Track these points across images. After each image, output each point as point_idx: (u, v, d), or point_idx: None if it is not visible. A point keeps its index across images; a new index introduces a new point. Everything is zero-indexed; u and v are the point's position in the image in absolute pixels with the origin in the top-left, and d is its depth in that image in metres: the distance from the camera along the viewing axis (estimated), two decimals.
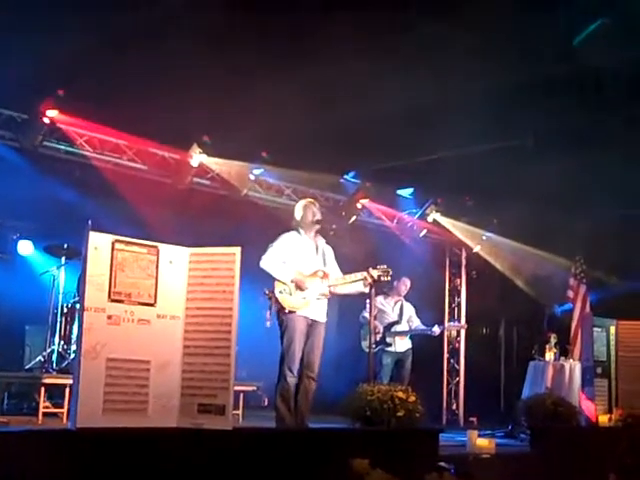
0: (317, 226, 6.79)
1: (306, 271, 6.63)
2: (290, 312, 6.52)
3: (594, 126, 9.25)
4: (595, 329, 8.22)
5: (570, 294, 10.60)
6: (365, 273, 6.68)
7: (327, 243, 6.96)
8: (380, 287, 7.18)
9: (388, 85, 8.39)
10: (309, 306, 6.57)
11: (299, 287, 6.54)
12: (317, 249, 6.80)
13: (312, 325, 6.60)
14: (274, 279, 6.56)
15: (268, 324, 6.54)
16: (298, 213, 6.84)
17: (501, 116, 8.90)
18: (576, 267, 10.66)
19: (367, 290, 6.84)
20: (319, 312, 6.65)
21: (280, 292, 6.54)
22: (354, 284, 6.78)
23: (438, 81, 8.29)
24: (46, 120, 9.14)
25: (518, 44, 7.83)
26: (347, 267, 6.92)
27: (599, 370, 8.12)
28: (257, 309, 6.73)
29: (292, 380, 6.45)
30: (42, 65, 7.66)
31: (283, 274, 6.55)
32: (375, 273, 6.69)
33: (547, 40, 7.77)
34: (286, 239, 6.72)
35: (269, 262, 6.55)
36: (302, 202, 7.01)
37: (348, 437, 5.53)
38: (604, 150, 9.28)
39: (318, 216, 6.80)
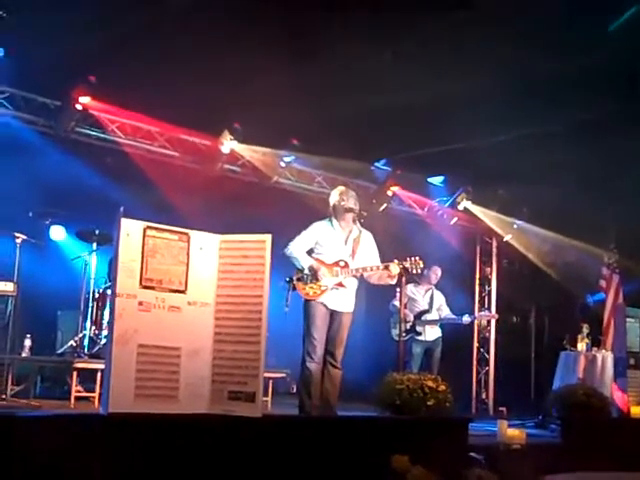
0: (350, 214, 6.75)
1: (329, 260, 6.63)
2: (309, 300, 6.53)
3: (627, 113, 9.12)
4: (628, 319, 8.14)
5: (603, 284, 10.48)
6: (392, 263, 6.64)
7: (368, 231, 6.91)
8: (411, 275, 7.12)
9: (420, 72, 8.33)
10: (326, 295, 6.56)
11: (314, 276, 6.55)
12: (347, 239, 6.75)
13: (333, 314, 6.60)
14: (294, 266, 6.59)
15: (286, 309, 6.55)
16: (331, 200, 6.82)
17: (532, 103, 8.80)
18: (609, 256, 10.54)
19: (393, 282, 6.81)
20: (340, 302, 6.63)
21: (298, 279, 6.59)
22: (383, 276, 6.74)
23: (470, 68, 8.21)
24: (78, 107, 9.20)
25: (551, 31, 7.72)
26: (379, 255, 6.89)
27: (632, 361, 8.04)
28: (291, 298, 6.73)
29: (313, 366, 6.45)
30: (75, 52, 7.70)
31: (301, 261, 6.58)
32: (404, 264, 6.67)
33: (580, 27, 7.65)
34: (315, 228, 6.73)
35: (292, 249, 6.61)
36: (337, 189, 6.99)
37: (378, 426, 5.52)
38: (638, 137, 9.16)
39: (350, 203, 6.75)
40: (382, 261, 6.80)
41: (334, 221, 6.76)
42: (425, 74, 8.33)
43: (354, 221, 6.77)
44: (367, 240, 6.85)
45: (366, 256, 6.78)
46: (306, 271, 6.56)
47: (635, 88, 8.62)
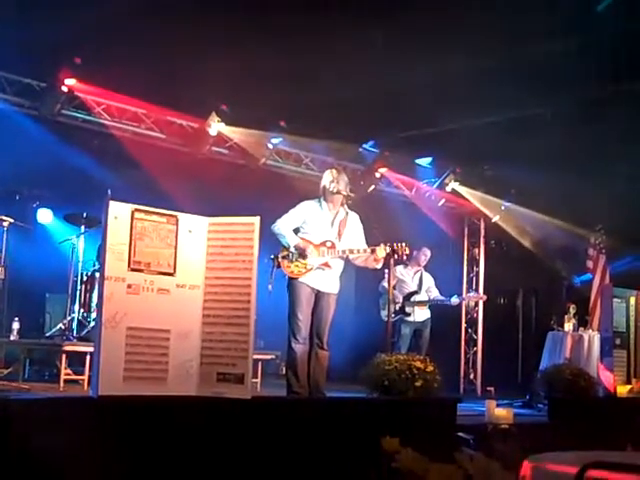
0: (340, 196, 6.75)
1: (315, 240, 6.63)
2: (293, 278, 6.54)
3: (614, 95, 9.14)
4: (615, 300, 8.17)
5: (590, 264, 10.54)
6: (378, 247, 6.65)
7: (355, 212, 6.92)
8: (399, 258, 7.14)
9: (407, 54, 8.31)
10: (311, 274, 6.56)
11: (301, 254, 6.55)
12: (334, 220, 6.75)
13: (318, 294, 6.59)
14: (281, 244, 6.60)
15: (270, 288, 6.54)
16: (323, 182, 6.80)
17: (519, 85, 8.80)
18: (596, 237, 10.60)
19: (379, 266, 6.82)
20: (325, 282, 6.62)
21: (283, 257, 6.58)
22: (369, 259, 6.75)
23: (457, 50, 8.19)
24: (64, 88, 9.13)
25: (537, 13, 7.71)
26: (365, 237, 6.90)
27: (618, 341, 8.07)
28: (276, 278, 6.73)
29: (298, 347, 6.45)
30: (61, 33, 7.64)
31: (288, 240, 6.57)
32: (389, 249, 6.67)
33: (567, 8, 7.65)
34: (303, 207, 6.72)
35: (279, 226, 6.59)
36: (329, 171, 6.97)
37: (366, 406, 5.56)
38: (624, 119, 9.18)
39: (342, 187, 6.74)
40: (368, 243, 6.81)
41: (322, 202, 6.76)
42: (412, 56, 8.31)
43: (342, 204, 6.77)
44: (354, 222, 6.85)
45: (352, 238, 6.78)
46: (292, 249, 6.56)
47: (623, 70, 8.64)
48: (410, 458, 2.74)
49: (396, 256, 6.72)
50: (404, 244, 6.72)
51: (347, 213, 6.80)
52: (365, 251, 6.69)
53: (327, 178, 6.78)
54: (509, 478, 2.63)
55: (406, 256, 6.80)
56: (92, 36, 7.95)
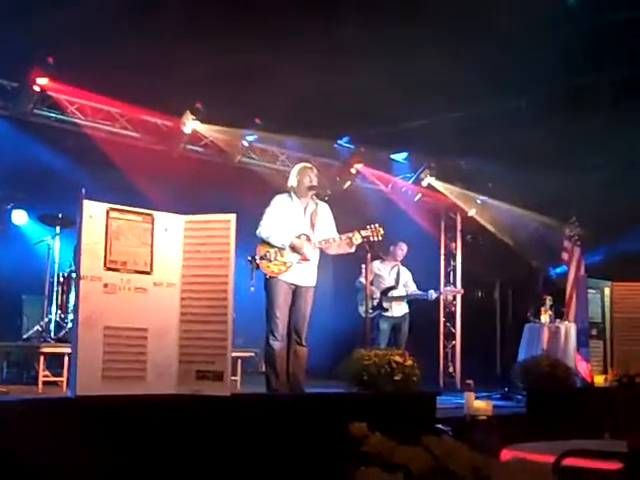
0: (311, 192, 6.77)
1: (290, 235, 6.63)
2: (271, 277, 6.53)
3: (588, 88, 9.22)
4: (590, 291, 8.26)
5: (565, 256, 10.62)
6: (352, 234, 6.66)
7: (325, 203, 6.93)
8: (376, 252, 7.16)
9: (380, 50, 8.33)
10: (290, 271, 6.56)
11: (296, 252, 6.54)
12: (305, 212, 6.77)
13: (296, 290, 6.60)
14: (260, 245, 6.57)
15: (252, 289, 6.54)
16: (292, 177, 6.83)
17: (494, 79, 8.85)
18: (570, 229, 10.67)
19: (352, 250, 6.82)
20: (303, 276, 6.63)
21: (261, 258, 6.55)
22: (342, 245, 6.76)
23: (431, 45, 8.21)
24: (36, 88, 9.03)
25: (512, 5, 7.75)
26: (342, 230, 6.90)
27: (594, 332, 8.17)
28: (257, 279, 6.71)
29: (276, 344, 6.45)
30: (32, 32, 7.58)
31: (280, 240, 6.56)
32: (364, 233, 6.68)
33: (540, 0, 7.70)
34: (277, 202, 6.74)
35: (264, 230, 6.57)
36: (298, 166, 6.99)
37: (345, 401, 5.57)
38: (596, 110, 9.25)
39: (314, 182, 6.77)
40: (340, 232, 6.81)
41: (293, 195, 6.78)
42: (385, 51, 8.33)
43: (311, 196, 6.79)
44: (324, 212, 6.88)
45: (324, 228, 6.81)
46: (287, 248, 6.54)
47: (594, 62, 8.71)
48: (378, 442, 2.76)
49: (373, 237, 6.70)
50: (377, 225, 6.73)
51: (317, 204, 6.82)
52: (342, 239, 6.70)
53: (295, 174, 6.79)
54: (475, 458, 2.65)
55: (381, 237, 6.77)
56: (64, 35, 7.87)
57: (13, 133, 9.23)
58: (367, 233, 6.69)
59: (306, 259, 6.60)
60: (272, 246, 6.57)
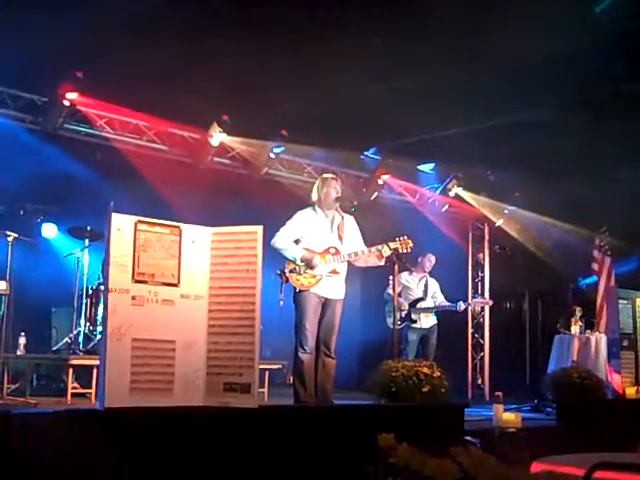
0: (336, 203, 6.75)
1: (318, 248, 6.60)
2: (301, 291, 6.52)
3: (617, 96, 9.14)
4: (621, 301, 8.16)
5: (595, 267, 10.52)
6: (381, 246, 6.64)
7: (350, 214, 6.92)
8: (404, 263, 7.13)
9: (407, 60, 8.32)
10: (320, 284, 6.54)
11: (308, 266, 6.53)
12: (332, 225, 6.74)
13: (326, 303, 6.57)
14: (285, 258, 6.57)
15: (281, 303, 6.54)
16: (316, 189, 6.80)
17: (522, 88, 8.80)
18: (600, 239, 10.57)
19: (382, 263, 6.79)
20: (332, 289, 6.61)
21: (290, 271, 6.54)
22: (372, 257, 6.74)
23: (458, 54, 8.20)
24: (66, 102, 9.15)
25: (538, 15, 7.72)
26: (370, 242, 6.86)
27: (625, 343, 8.06)
28: (286, 293, 6.71)
29: (305, 356, 6.43)
30: (61, 47, 7.66)
31: (292, 253, 6.54)
32: (393, 245, 6.65)
33: (567, 10, 7.65)
34: (300, 217, 6.70)
35: (279, 241, 6.54)
36: (322, 178, 6.96)
37: (373, 413, 5.55)
38: (625, 120, 9.17)
39: (339, 193, 6.75)
40: (369, 245, 6.79)
41: (317, 209, 6.75)
42: (413, 61, 8.32)
43: (336, 208, 6.78)
44: (350, 224, 6.86)
45: (352, 240, 6.79)
46: (298, 262, 6.54)
47: (625, 71, 8.64)
48: (406, 453, 2.74)
49: (402, 249, 6.67)
50: (406, 237, 6.71)
51: (343, 216, 6.81)
52: (370, 252, 6.68)
53: (319, 186, 6.78)
54: (504, 471, 2.63)
55: (410, 249, 6.74)
56: (93, 50, 7.96)
57: (43, 147, 9.34)
58: (396, 245, 6.66)
59: (335, 272, 6.58)
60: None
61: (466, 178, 12.40)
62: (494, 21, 7.64)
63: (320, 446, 4.77)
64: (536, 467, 3.06)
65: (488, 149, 10.50)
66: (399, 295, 9.23)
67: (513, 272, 12.64)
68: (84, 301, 9.06)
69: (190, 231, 4.91)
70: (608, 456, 2.97)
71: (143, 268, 4.66)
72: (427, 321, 9.73)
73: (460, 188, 12.43)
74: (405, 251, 6.71)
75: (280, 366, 9.68)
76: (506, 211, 13.02)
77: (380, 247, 6.64)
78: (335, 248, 6.64)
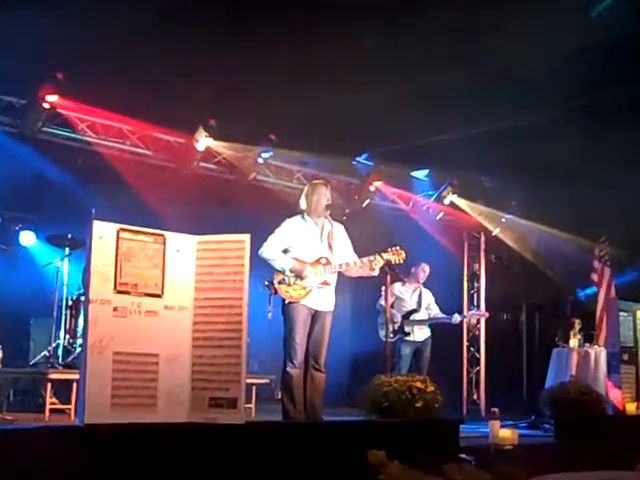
0: (327, 211, 6.74)
1: (308, 258, 6.59)
2: (290, 303, 6.51)
3: (614, 102, 9.18)
4: (621, 314, 8.18)
5: (594, 277, 10.54)
6: (373, 257, 6.64)
7: (340, 223, 6.91)
8: (397, 274, 7.14)
9: (399, 64, 8.35)
10: (310, 295, 6.53)
11: (298, 277, 6.52)
12: (322, 234, 6.73)
13: (315, 315, 6.56)
14: (274, 269, 6.55)
15: (270, 315, 6.54)
16: (305, 196, 6.78)
17: (517, 93, 8.84)
18: (600, 249, 10.60)
19: (375, 274, 6.79)
20: (322, 301, 6.60)
21: (279, 282, 6.52)
22: (364, 269, 6.74)
23: (453, 59, 8.23)
24: (46, 105, 9.13)
25: (534, 19, 7.76)
26: (361, 252, 6.85)
27: (626, 356, 8.08)
28: (274, 305, 6.71)
29: (294, 371, 6.42)
30: (41, 49, 7.66)
31: (281, 263, 6.52)
32: (385, 256, 6.65)
33: (563, 14, 7.70)
34: (288, 225, 6.68)
35: (267, 251, 6.51)
36: (311, 184, 6.95)
37: (364, 429, 5.55)
38: (627, 126, 9.21)
39: (328, 200, 6.74)
40: (360, 255, 6.79)
41: (307, 217, 6.74)
42: (406, 65, 8.35)
43: (325, 216, 6.76)
44: (340, 233, 6.85)
45: (342, 249, 6.78)
46: (287, 272, 6.53)
47: (623, 76, 8.69)
48: (398, 471, 2.75)
49: (394, 261, 6.67)
50: (398, 247, 6.71)
51: (332, 225, 6.80)
52: (362, 262, 6.67)
53: (307, 193, 6.77)
54: None
55: (403, 260, 6.74)
56: (75, 51, 7.95)
57: (21, 151, 9.31)
58: (388, 256, 6.65)
59: (326, 283, 6.58)
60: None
61: (461, 185, 12.43)
62: (490, 24, 7.69)
63: (309, 464, 4.76)
64: None
65: (484, 155, 10.52)
66: (392, 307, 9.22)
67: (510, 283, 12.67)
68: (64, 312, 9.03)
69: (175, 240, 4.90)
70: (608, 474, 2.98)
71: (126, 278, 4.65)
72: (421, 334, 9.72)
73: (455, 195, 12.46)
74: (398, 262, 6.71)
75: (268, 380, 9.67)
76: (503, 219, 13.04)
77: (372, 258, 6.64)
78: (326, 258, 6.63)
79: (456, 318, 9.86)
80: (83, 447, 4.13)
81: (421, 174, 12.57)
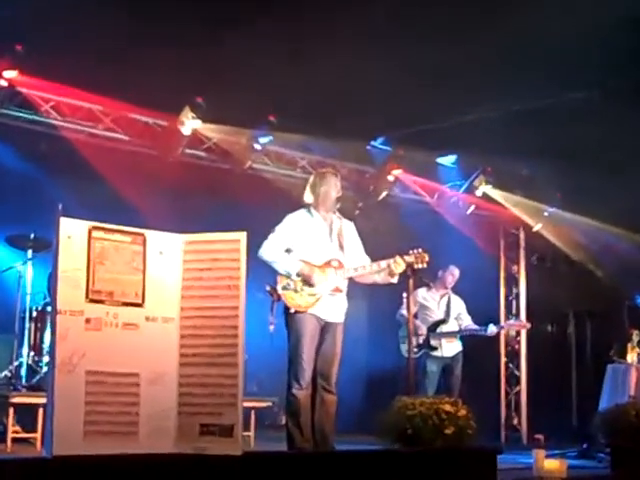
0: (337, 205, 6.72)
1: (317, 260, 6.56)
2: (297, 312, 6.50)
3: None
4: None
5: None
6: (393, 260, 6.61)
7: (349, 219, 6.90)
8: (422, 278, 7.14)
9: (422, 33, 8.34)
10: (320, 304, 6.50)
11: (307, 282, 6.50)
12: (331, 232, 6.70)
13: (325, 327, 6.54)
14: (277, 272, 6.54)
15: (271, 328, 6.51)
16: (312, 187, 6.76)
17: (560, 65, 8.81)
18: None
19: (395, 281, 6.78)
20: (333, 311, 6.58)
21: (284, 288, 6.47)
22: (381, 275, 6.73)
23: (482, 27, 8.22)
24: (3, 82, 9.15)
25: None
26: (377, 254, 6.83)
27: None
28: (277, 315, 6.70)
29: (300, 393, 6.40)
30: None
31: (286, 266, 6.48)
32: (408, 259, 6.63)
33: None
34: (292, 221, 6.65)
35: (268, 252, 6.48)
36: (318, 174, 6.93)
37: (384, 460, 5.55)
38: None
39: (338, 192, 6.72)
40: (374, 259, 6.77)
41: (313, 211, 6.71)
42: (429, 34, 8.33)
43: (334, 211, 6.74)
44: (350, 230, 6.83)
45: (353, 250, 6.76)
46: (293, 276, 6.51)
47: None
48: None
49: (416, 265, 6.65)
50: (421, 250, 6.69)
51: (341, 220, 6.78)
52: (379, 266, 6.65)
53: (327, 182, 6.73)
54: None
55: (426, 264, 6.73)
56: (37, 19, 7.97)
57: None
58: (410, 259, 6.64)
59: (338, 289, 6.56)
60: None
61: (496, 173, 12.42)
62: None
63: None
64: None
65: (523, 138, 10.50)
66: (415, 316, 9.23)
67: (555, 287, 12.68)
68: (27, 326, 9.05)
69: (157, 239, 4.92)
70: None
71: (99, 285, 4.67)
72: (450, 348, 9.73)
73: (489, 186, 12.45)
74: (420, 266, 6.69)
75: (269, 404, 9.69)
76: (545, 213, 13.04)
77: (391, 261, 6.61)
78: (338, 260, 6.59)
79: (492, 329, 9.85)
80: None
81: (448, 160, 12.57)
